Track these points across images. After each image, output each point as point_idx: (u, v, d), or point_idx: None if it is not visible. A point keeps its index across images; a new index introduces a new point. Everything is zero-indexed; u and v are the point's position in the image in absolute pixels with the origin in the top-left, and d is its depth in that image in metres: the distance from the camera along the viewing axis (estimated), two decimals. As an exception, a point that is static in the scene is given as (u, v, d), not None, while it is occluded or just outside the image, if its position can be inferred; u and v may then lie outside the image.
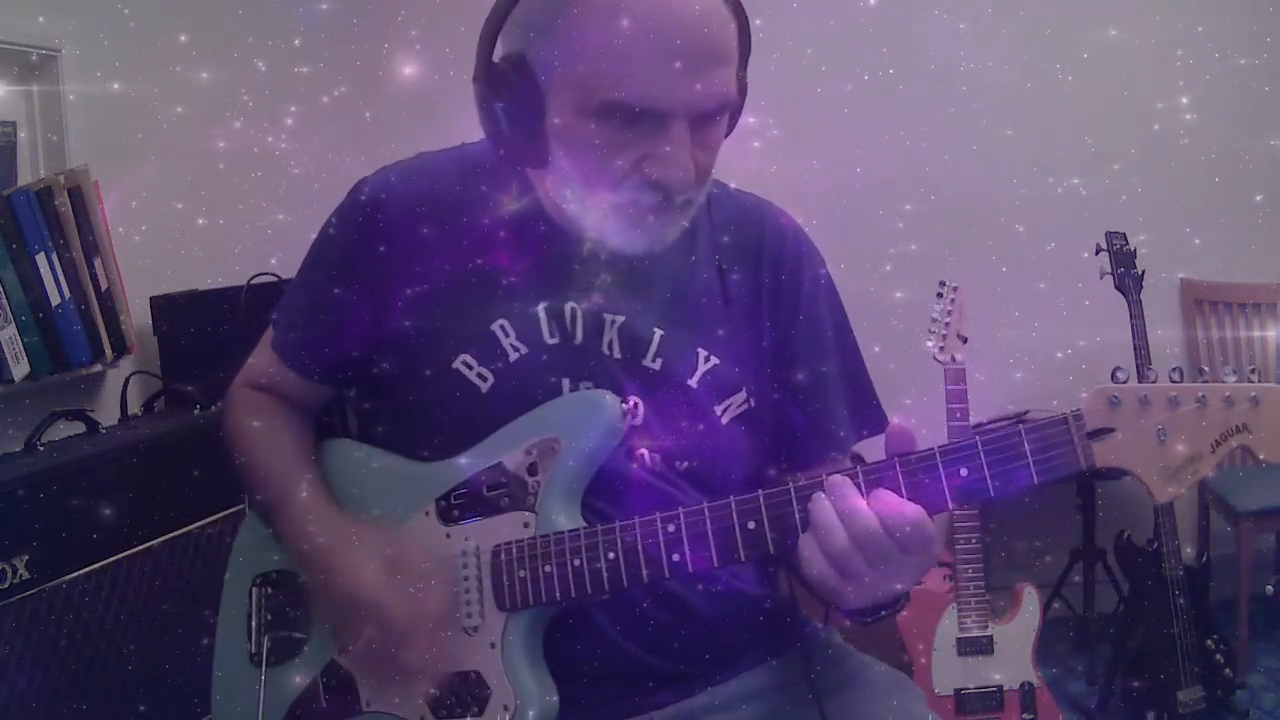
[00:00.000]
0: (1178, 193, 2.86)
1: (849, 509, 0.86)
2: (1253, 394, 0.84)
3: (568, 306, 1.05)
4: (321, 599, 1.05)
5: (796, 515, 0.89)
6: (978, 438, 0.86)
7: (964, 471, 0.86)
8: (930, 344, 2.17)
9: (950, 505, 0.87)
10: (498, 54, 0.97)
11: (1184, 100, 2.85)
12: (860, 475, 0.88)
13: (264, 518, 1.13)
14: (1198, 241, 2.83)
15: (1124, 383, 0.86)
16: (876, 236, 2.82)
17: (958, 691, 2.15)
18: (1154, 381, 0.86)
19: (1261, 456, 0.84)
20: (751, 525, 0.91)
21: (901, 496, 0.87)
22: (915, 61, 2.90)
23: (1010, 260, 2.78)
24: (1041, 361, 2.72)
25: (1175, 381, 0.86)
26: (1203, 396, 0.84)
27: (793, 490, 0.90)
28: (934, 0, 2.92)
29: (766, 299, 1.10)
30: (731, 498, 0.91)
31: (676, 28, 0.89)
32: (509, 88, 0.96)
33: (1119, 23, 2.88)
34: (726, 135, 1.02)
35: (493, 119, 0.98)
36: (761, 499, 0.90)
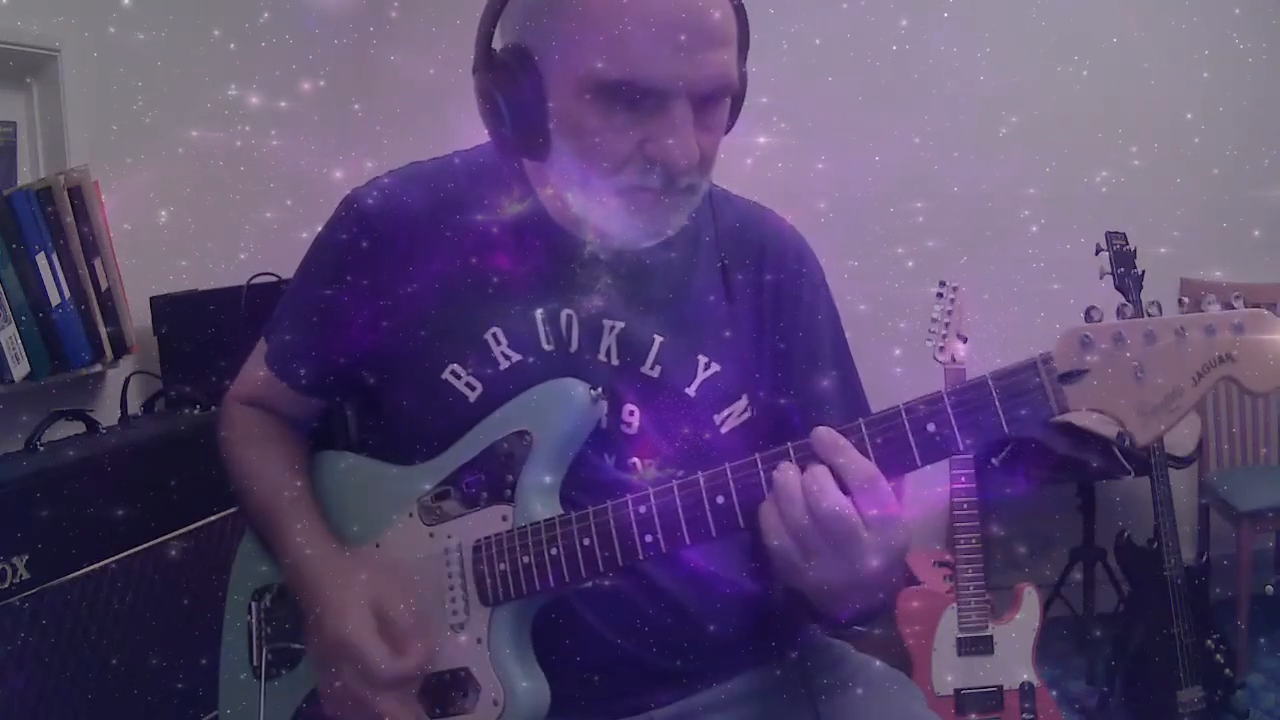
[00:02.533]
0: (1182, 192, 2.85)
1: (811, 476, 0.84)
2: (1236, 320, 0.78)
3: (564, 314, 1.04)
4: (311, 637, 1.04)
5: (763, 484, 0.87)
6: (944, 390, 0.83)
7: (930, 426, 0.83)
8: (930, 344, 2.17)
9: (919, 462, 0.84)
10: (497, 44, 0.97)
11: (1193, 99, 2.84)
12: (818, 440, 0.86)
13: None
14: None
15: (1098, 321, 0.80)
16: (885, 236, 2.81)
17: (958, 691, 2.15)
18: (1130, 317, 0.80)
19: (1247, 387, 0.78)
20: (720, 500, 0.89)
21: (868, 457, 0.84)
22: (923, 57, 2.88)
23: (1019, 260, 2.77)
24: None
25: (1152, 316, 0.80)
26: (1181, 328, 0.78)
27: (759, 460, 0.88)
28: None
29: (768, 303, 1.09)
30: (700, 473, 0.90)
31: (675, 7, 0.89)
32: (509, 77, 0.95)
33: (1133, 18, 2.88)
34: (728, 131, 1.01)
35: (494, 110, 0.97)
36: (729, 471, 0.89)
